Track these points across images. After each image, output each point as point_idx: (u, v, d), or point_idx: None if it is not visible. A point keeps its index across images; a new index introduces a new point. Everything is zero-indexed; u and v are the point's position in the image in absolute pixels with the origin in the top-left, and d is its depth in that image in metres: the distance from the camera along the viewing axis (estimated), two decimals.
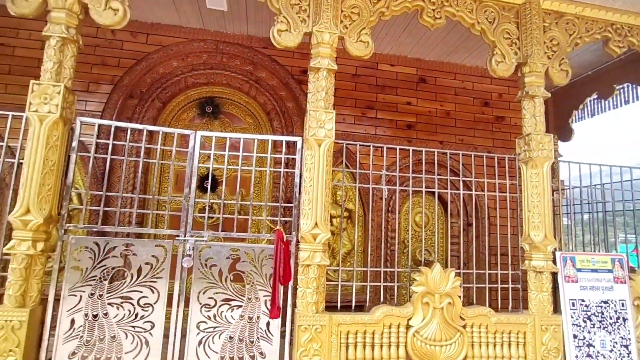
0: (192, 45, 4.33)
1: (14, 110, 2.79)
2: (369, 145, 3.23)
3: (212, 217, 3.60)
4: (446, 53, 4.82)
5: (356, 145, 3.23)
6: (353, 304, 2.99)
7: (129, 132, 2.83)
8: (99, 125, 2.89)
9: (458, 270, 3.09)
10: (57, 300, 2.60)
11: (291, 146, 3.54)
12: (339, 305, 2.94)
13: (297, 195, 2.95)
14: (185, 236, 2.81)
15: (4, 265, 2.63)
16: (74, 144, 2.70)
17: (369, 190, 4.08)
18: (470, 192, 3.57)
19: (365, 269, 3.28)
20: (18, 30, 3.99)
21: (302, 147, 2.97)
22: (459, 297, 2.95)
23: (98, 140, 2.79)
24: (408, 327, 2.85)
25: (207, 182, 3.76)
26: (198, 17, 4.17)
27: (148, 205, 4.04)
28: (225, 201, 3.10)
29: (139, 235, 3.63)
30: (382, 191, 4.35)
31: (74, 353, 2.56)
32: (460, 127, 5.00)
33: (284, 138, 3.04)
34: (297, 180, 2.96)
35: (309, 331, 2.65)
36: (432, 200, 4.59)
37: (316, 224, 2.73)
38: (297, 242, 2.86)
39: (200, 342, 2.74)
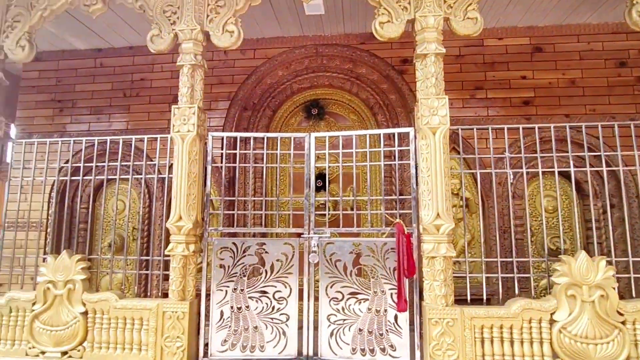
0: (294, 53, 4.55)
1: (156, 133, 3.28)
2: (487, 128, 3.02)
3: (330, 214, 3.75)
4: (565, 14, 4.25)
5: (472, 129, 3.04)
6: (484, 297, 2.83)
7: (252, 140, 3.10)
8: (220, 138, 3.22)
9: (608, 259, 2.70)
10: (207, 294, 2.98)
11: (403, 138, 3.48)
12: (468, 298, 2.81)
13: (414, 186, 2.90)
14: (309, 234, 2.97)
15: (160, 265, 3.10)
16: (209, 156, 3.05)
17: (487, 176, 3.81)
18: (615, 169, 3.08)
19: (494, 259, 3.07)
20: (153, 65, 4.66)
21: (415, 137, 2.91)
22: (614, 289, 2.58)
23: (228, 151, 3.11)
24: (552, 322, 2.59)
25: (321, 182, 3.92)
26: (297, 25, 4.36)
27: (268, 207, 4.37)
28: (343, 198, 3.19)
29: (264, 235, 3.95)
30: (499, 176, 4.03)
31: (225, 340, 2.90)
32: (590, 95, 4.36)
33: (396, 130, 3.01)
34: (412, 171, 2.90)
35: (440, 325, 2.58)
36: (561, 181, 4.09)
37: (438, 214, 2.64)
38: (419, 234, 2.80)
39: (331, 334, 2.87)
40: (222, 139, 3.10)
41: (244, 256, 2.96)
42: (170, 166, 3.99)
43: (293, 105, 4.73)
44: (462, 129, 3.01)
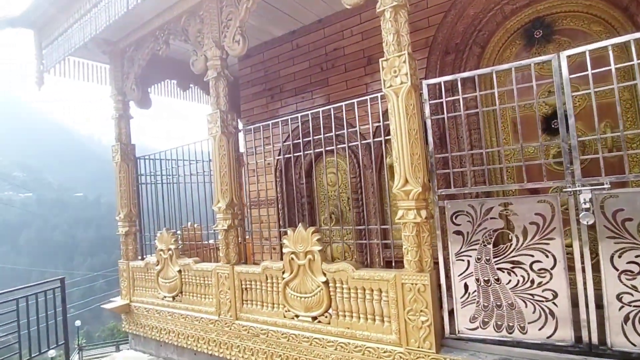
0: None
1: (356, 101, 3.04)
2: None
3: (581, 160, 2.83)
4: None
5: None
6: None
7: (476, 79, 2.52)
8: (427, 87, 2.73)
9: None
10: (442, 264, 2.63)
11: None
12: None
13: None
14: (574, 186, 2.24)
15: (383, 234, 2.92)
16: (426, 109, 2.65)
17: None
18: None
19: None
20: (342, 32, 4.54)
21: None
22: None
23: (448, 99, 2.64)
24: None
25: (557, 122, 3.01)
26: None
27: (494, 161, 3.70)
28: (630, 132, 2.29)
29: (488, 194, 3.33)
30: None
31: (474, 317, 2.51)
32: None
33: None
34: None
35: None
36: None
37: None
38: None
39: (626, 319, 2.11)
40: (439, 85, 2.63)
41: (485, 220, 2.46)
42: (375, 130, 3.82)
43: (506, 34, 3.82)
44: None
